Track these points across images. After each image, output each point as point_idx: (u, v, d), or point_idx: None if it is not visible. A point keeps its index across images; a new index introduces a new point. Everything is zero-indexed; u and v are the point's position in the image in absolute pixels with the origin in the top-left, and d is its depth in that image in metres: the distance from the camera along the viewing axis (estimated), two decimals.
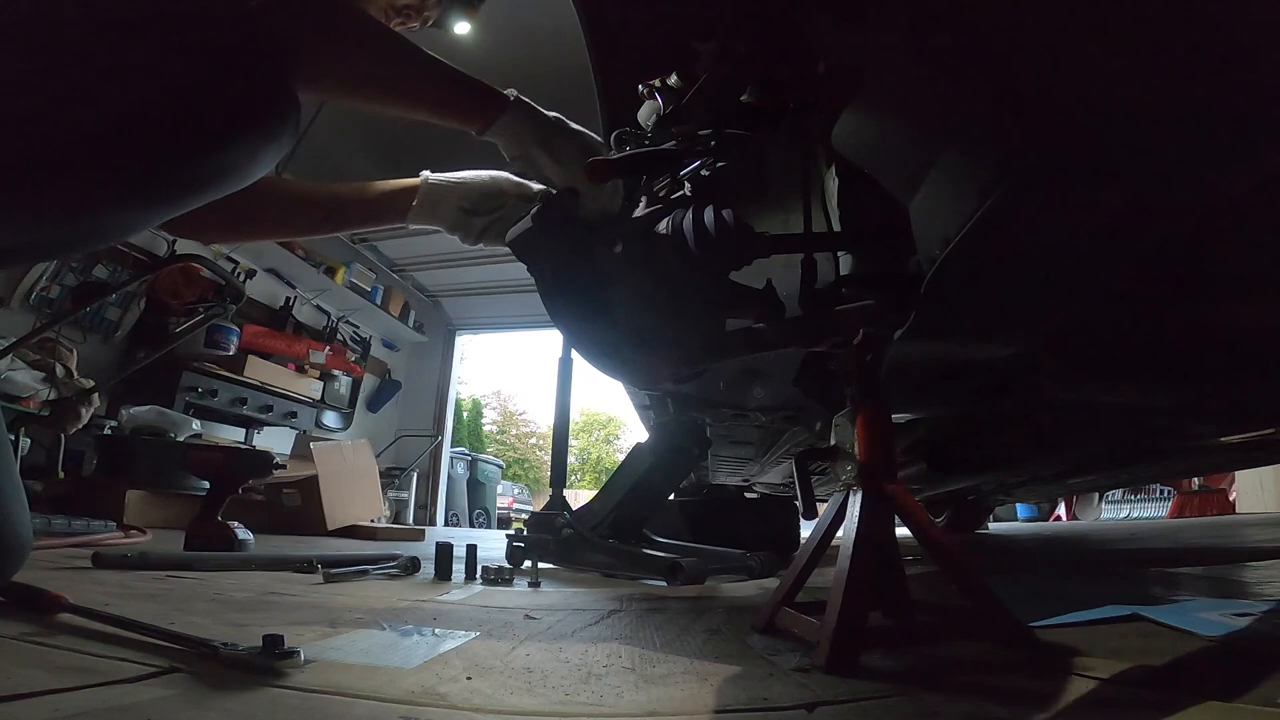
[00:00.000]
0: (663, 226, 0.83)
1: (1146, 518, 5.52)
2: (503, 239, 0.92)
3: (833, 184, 0.92)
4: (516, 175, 0.94)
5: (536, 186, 0.93)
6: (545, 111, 0.83)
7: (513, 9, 3.17)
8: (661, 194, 0.86)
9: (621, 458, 2.84)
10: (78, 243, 0.75)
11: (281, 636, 0.63)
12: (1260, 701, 0.55)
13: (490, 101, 0.80)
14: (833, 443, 0.90)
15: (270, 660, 0.61)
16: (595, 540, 1.80)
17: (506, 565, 1.61)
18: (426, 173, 0.95)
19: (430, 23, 1.07)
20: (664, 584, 1.52)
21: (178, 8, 0.63)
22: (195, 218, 0.94)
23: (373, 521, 3.60)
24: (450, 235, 0.96)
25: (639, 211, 0.86)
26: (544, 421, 18.74)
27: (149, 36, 0.60)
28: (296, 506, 3.31)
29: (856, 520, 0.78)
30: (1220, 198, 0.60)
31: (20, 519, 0.80)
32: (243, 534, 2.00)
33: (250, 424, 4.74)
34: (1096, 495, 5.60)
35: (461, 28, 1.15)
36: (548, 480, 2.16)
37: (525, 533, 1.93)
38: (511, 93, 0.81)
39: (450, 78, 0.79)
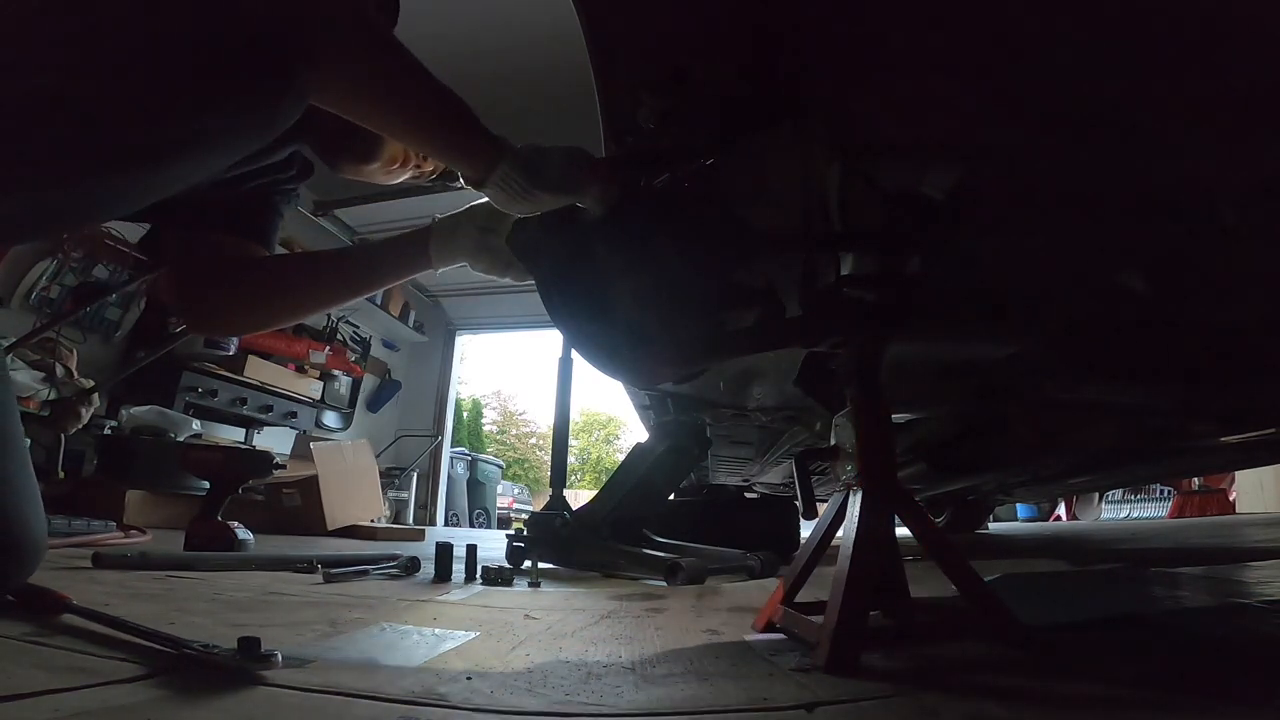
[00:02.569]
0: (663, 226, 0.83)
1: (1146, 518, 5.52)
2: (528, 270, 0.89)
3: (833, 183, 0.92)
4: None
5: None
6: (518, 147, 0.79)
7: (513, 8, 3.18)
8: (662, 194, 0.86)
9: (621, 458, 2.84)
10: (56, 215, 0.69)
11: (258, 639, 0.63)
12: (1260, 702, 0.55)
13: (491, 149, 0.77)
14: (833, 443, 0.90)
15: (248, 663, 0.60)
16: (595, 540, 1.80)
17: (506, 565, 1.61)
18: (436, 214, 0.95)
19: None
20: (664, 584, 1.52)
21: None
22: (214, 300, 0.92)
23: (373, 521, 3.59)
24: (478, 269, 0.91)
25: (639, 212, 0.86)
26: (544, 421, 18.75)
27: None
28: (296, 506, 3.30)
29: (856, 520, 0.78)
30: (1219, 200, 0.60)
31: (35, 521, 0.79)
32: (243, 534, 2.00)
33: (250, 424, 4.73)
34: (1096, 495, 5.60)
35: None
36: (548, 480, 2.16)
37: (525, 533, 1.93)
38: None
39: (465, 124, 0.76)
